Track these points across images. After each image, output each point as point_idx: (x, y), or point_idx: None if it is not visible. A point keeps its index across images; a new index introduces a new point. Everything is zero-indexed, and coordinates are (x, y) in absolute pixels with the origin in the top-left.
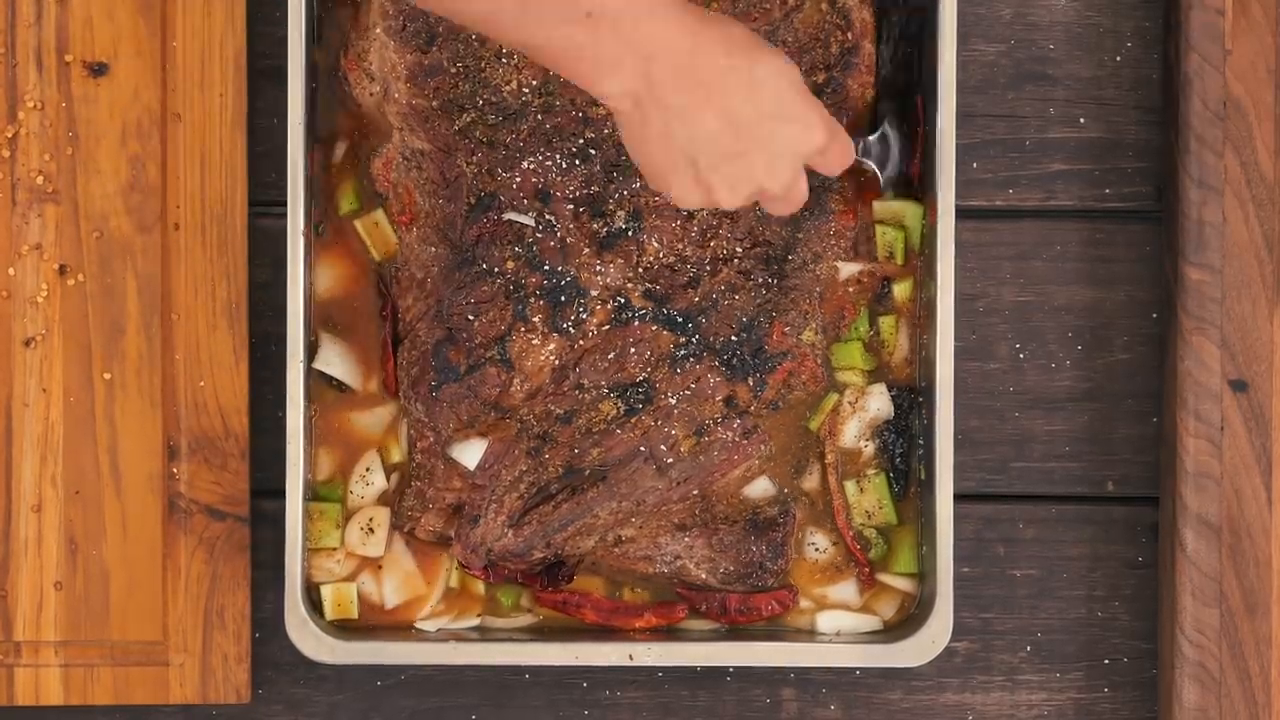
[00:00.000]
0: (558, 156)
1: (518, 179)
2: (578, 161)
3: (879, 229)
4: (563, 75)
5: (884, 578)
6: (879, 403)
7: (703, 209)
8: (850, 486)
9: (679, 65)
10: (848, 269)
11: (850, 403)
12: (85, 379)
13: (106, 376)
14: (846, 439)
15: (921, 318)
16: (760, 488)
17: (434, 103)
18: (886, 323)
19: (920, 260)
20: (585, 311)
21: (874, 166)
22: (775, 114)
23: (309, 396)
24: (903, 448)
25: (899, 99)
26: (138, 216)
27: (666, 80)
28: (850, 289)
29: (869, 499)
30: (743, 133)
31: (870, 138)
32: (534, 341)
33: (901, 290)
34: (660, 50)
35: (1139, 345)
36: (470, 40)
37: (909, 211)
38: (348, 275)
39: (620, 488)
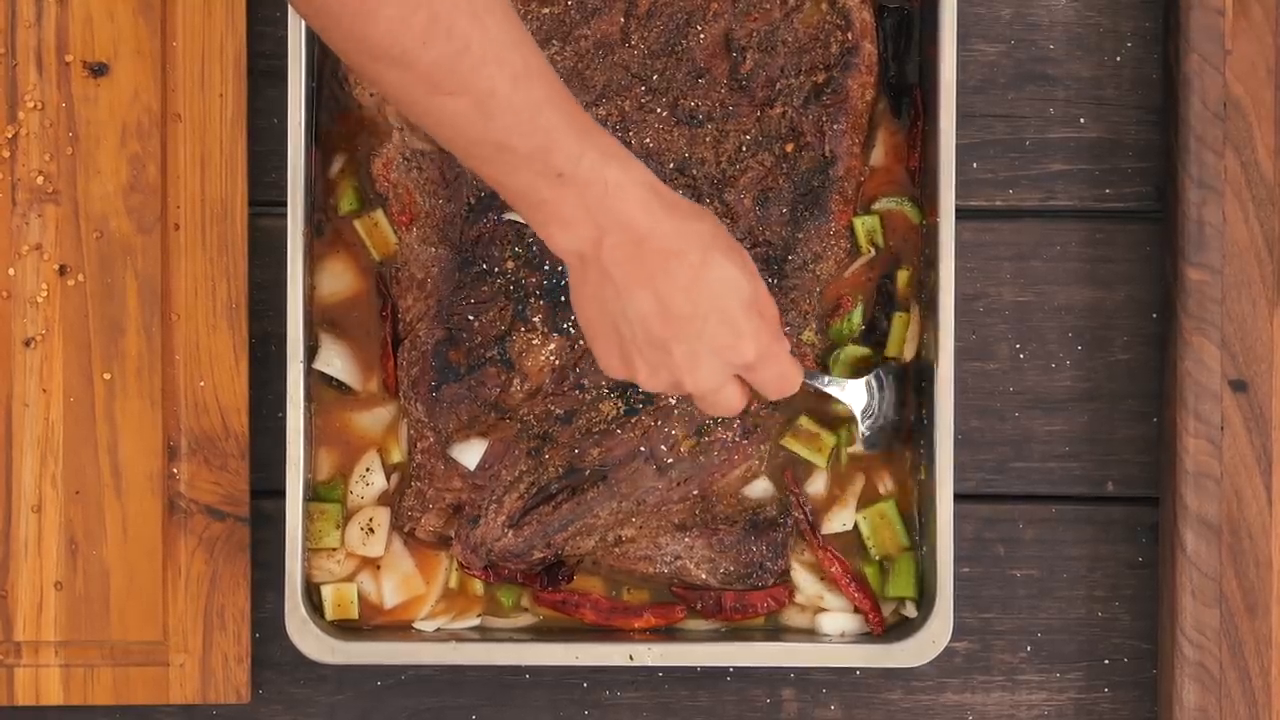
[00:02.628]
0: None
1: None
2: None
3: (855, 221)
4: (518, 213)
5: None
6: (816, 484)
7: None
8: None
9: (629, 243)
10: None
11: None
12: (85, 379)
13: (106, 376)
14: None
15: (922, 317)
16: (760, 488)
17: None
18: (899, 320)
19: (921, 256)
20: None
21: (852, 409)
22: (708, 316)
23: (309, 396)
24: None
25: (896, 98)
26: (138, 216)
27: (614, 253)
28: (849, 283)
29: (884, 532)
30: (670, 324)
31: (861, 379)
32: (534, 341)
33: (903, 285)
34: (616, 226)
35: (1139, 345)
36: None
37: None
38: (348, 275)
39: (620, 488)
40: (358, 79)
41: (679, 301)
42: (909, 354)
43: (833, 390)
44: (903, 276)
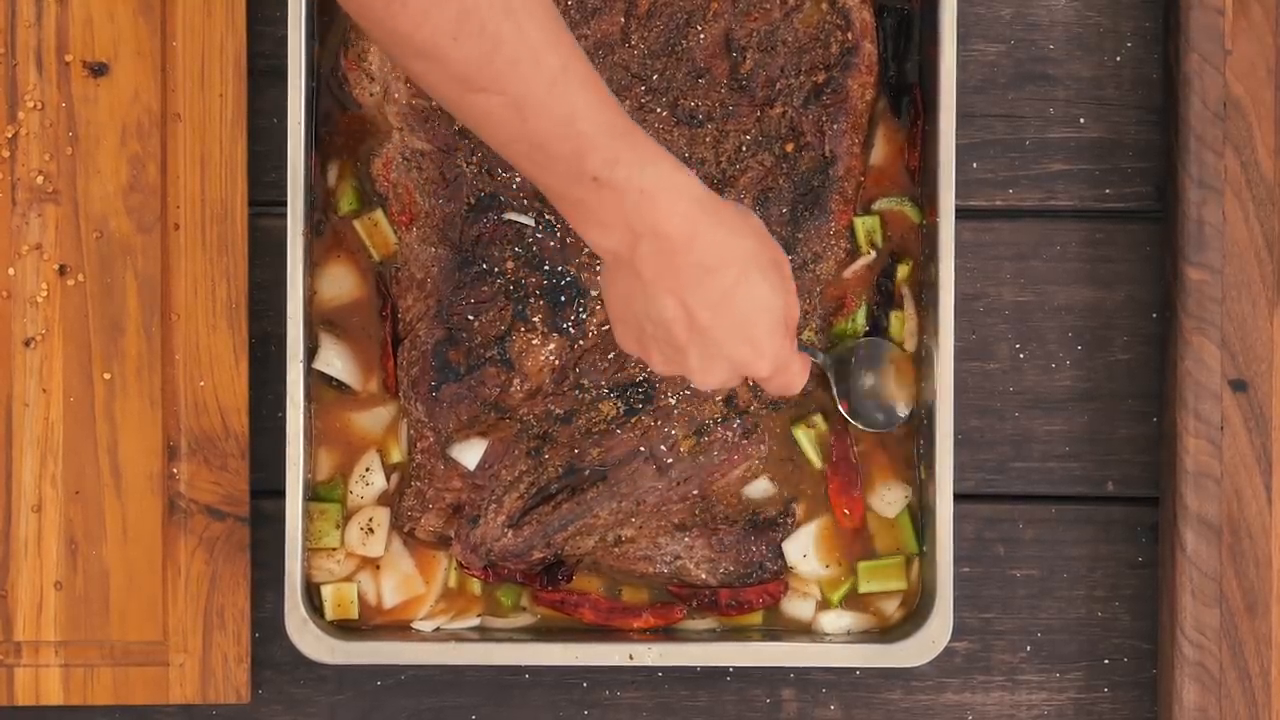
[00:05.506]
0: None
1: (518, 179)
2: None
3: (855, 221)
4: (556, 209)
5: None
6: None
7: None
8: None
9: (663, 251)
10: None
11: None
12: (85, 379)
13: (106, 376)
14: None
15: (921, 317)
16: (760, 488)
17: (434, 102)
18: (896, 318)
19: (921, 255)
20: (585, 311)
21: (829, 375)
22: (731, 332)
23: (309, 396)
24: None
25: (896, 98)
26: (138, 216)
27: (647, 259)
28: (853, 283)
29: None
30: (692, 333)
31: (840, 348)
32: (534, 341)
33: (901, 279)
34: (651, 233)
35: (1139, 345)
36: None
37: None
38: (348, 279)
39: (620, 488)
40: (358, 80)
41: (705, 316)
42: (909, 349)
43: (818, 358)
44: (901, 271)
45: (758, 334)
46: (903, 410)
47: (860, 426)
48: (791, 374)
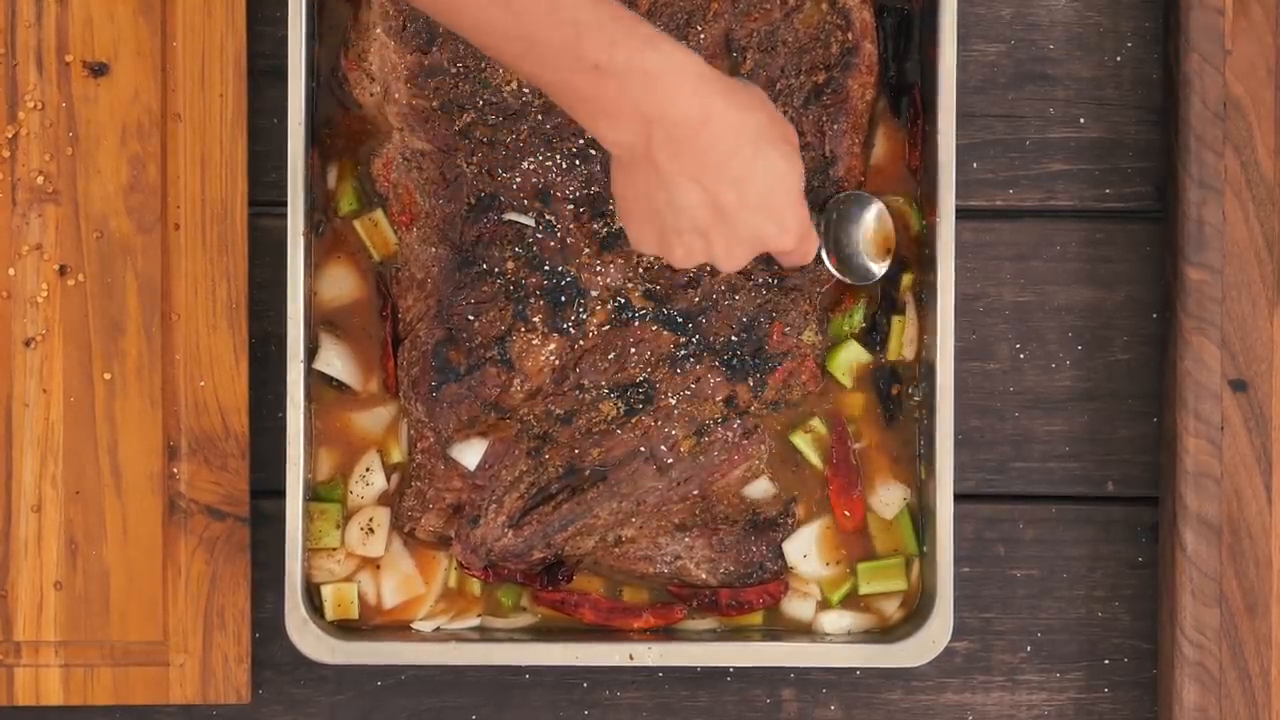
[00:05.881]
0: (558, 156)
1: (518, 179)
2: (578, 161)
3: None
4: (571, 115)
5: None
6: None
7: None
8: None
9: (681, 136)
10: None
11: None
12: (85, 379)
13: (106, 376)
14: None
15: (921, 317)
16: (760, 488)
17: (434, 103)
18: (896, 323)
19: (921, 256)
20: (585, 311)
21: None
22: (756, 209)
23: (309, 396)
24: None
25: (896, 98)
26: (138, 216)
27: (663, 146)
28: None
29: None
30: (717, 215)
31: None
32: (534, 341)
33: (905, 289)
34: (665, 117)
35: (1139, 345)
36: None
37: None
38: (349, 280)
39: (620, 488)
40: (358, 80)
41: (729, 197)
42: (909, 355)
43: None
44: (905, 280)
45: (780, 206)
46: (883, 263)
47: (847, 280)
48: (810, 243)
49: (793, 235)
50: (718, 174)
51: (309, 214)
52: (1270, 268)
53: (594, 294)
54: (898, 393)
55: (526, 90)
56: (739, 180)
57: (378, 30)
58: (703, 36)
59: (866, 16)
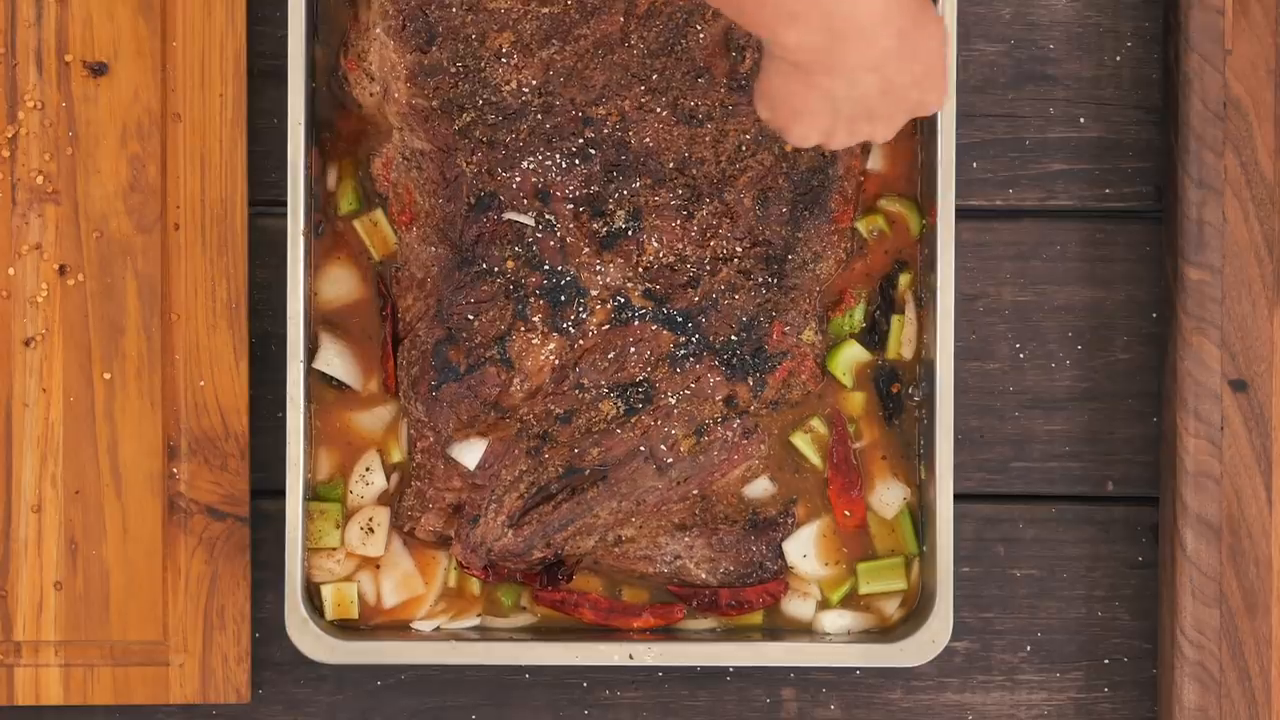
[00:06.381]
0: (558, 156)
1: (518, 179)
2: (578, 161)
3: (859, 224)
4: (742, 23)
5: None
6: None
7: (705, 209)
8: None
9: (862, 28)
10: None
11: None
12: (85, 379)
13: (106, 376)
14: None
15: (921, 317)
16: (760, 488)
17: (434, 103)
18: (896, 322)
19: (921, 256)
20: (585, 311)
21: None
22: (920, 83)
23: (309, 396)
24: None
25: None
26: (138, 216)
27: (847, 39)
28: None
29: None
30: (891, 96)
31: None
32: (534, 341)
33: (904, 288)
34: (852, 14)
35: (1139, 345)
36: (470, 40)
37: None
38: (349, 281)
39: (620, 487)
40: (358, 80)
41: (903, 76)
42: (909, 354)
43: None
44: (904, 280)
45: (940, 74)
46: None
47: None
48: (951, 87)
49: (944, 93)
50: (897, 59)
51: (309, 214)
52: (1270, 268)
53: (594, 293)
54: (897, 391)
55: (526, 90)
56: (912, 59)
57: (377, 30)
58: (702, 36)
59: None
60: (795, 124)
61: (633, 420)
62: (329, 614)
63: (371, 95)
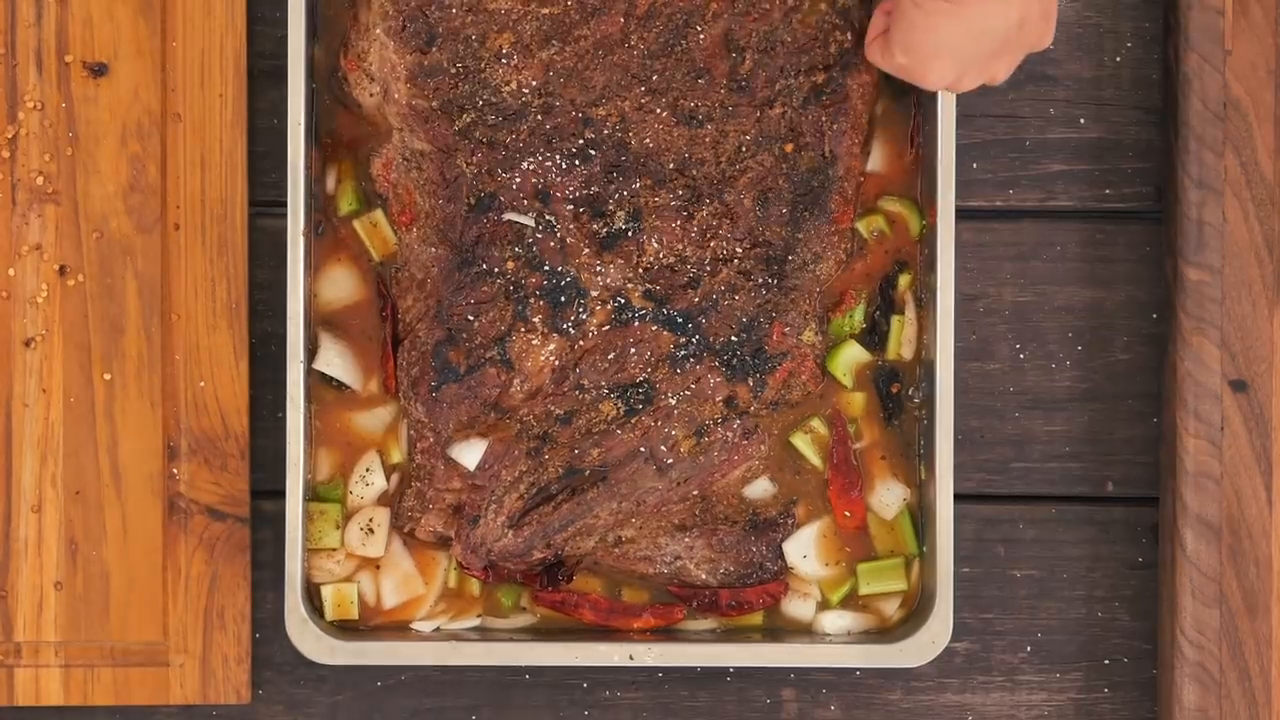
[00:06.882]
0: (558, 156)
1: (518, 179)
2: (578, 161)
3: (859, 224)
4: None
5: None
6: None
7: (705, 209)
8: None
9: None
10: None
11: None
12: (85, 379)
13: (106, 376)
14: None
15: (921, 317)
16: (760, 488)
17: (434, 103)
18: (896, 322)
19: (921, 256)
20: (585, 312)
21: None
22: (1047, 16)
23: (309, 396)
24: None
25: (897, 97)
26: (138, 217)
27: None
28: (854, 278)
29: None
30: (1021, 33)
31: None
32: (534, 342)
33: (904, 289)
34: None
35: (1139, 345)
36: (470, 41)
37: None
38: (349, 282)
39: (620, 488)
40: (358, 80)
41: (1034, 9)
42: (908, 354)
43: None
44: (904, 280)
45: (1055, 7)
46: None
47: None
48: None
49: (1053, 28)
50: None
51: (309, 214)
52: (1270, 268)
53: (594, 294)
54: (897, 392)
55: (526, 90)
56: None
57: (378, 30)
58: (702, 37)
59: (866, 16)
60: (935, 62)
61: (633, 421)
62: (329, 615)
63: (371, 96)
